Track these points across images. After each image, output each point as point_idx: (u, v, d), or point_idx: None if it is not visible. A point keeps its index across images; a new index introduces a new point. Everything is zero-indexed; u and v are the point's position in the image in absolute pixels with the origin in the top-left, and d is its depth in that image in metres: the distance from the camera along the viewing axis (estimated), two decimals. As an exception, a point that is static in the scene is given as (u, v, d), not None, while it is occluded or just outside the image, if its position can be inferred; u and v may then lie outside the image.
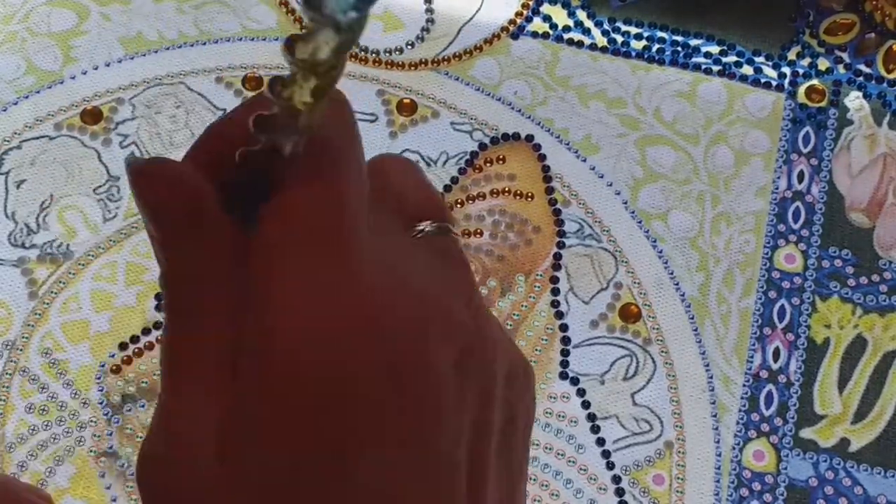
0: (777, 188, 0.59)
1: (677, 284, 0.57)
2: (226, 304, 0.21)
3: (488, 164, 0.58)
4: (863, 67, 0.62)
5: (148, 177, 0.22)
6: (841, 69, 0.62)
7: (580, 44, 0.62)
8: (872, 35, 0.62)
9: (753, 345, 0.56)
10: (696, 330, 0.56)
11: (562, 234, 0.57)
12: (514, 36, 0.62)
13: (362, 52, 0.61)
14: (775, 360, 0.56)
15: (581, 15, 0.62)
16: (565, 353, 0.55)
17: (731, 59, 0.62)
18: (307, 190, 0.21)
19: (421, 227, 0.25)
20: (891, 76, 0.62)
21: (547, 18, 0.62)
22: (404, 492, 0.21)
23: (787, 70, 0.62)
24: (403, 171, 0.27)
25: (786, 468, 0.54)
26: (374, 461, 0.20)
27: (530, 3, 0.62)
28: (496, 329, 0.25)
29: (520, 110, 0.60)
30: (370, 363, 0.20)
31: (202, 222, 0.22)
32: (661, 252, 0.57)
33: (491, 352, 0.23)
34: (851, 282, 0.57)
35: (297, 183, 0.21)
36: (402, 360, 0.21)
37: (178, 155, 0.62)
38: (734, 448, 0.54)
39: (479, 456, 0.23)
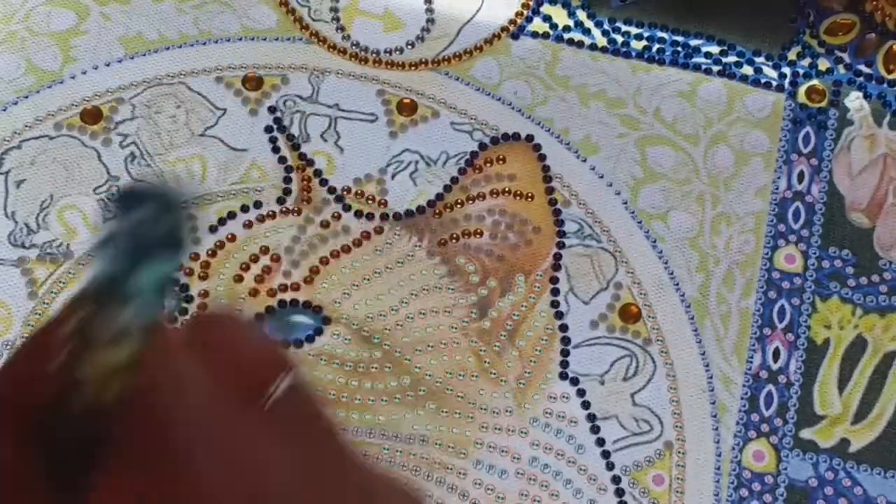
0: (777, 188, 0.59)
1: (677, 285, 0.57)
2: None
3: (488, 164, 0.58)
4: (863, 68, 0.62)
5: None
6: (841, 69, 0.62)
7: (580, 44, 0.62)
8: (873, 35, 0.62)
9: (753, 345, 0.56)
10: (696, 330, 0.56)
11: (562, 234, 0.57)
12: (515, 36, 0.62)
13: (362, 52, 0.61)
14: (775, 361, 0.56)
15: (581, 15, 0.62)
16: (565, 353, 0.55)
17: (732, 59, 0.62)
18: (131, 476, 0.20)
19: (270, 392, 0.23)
20: (891, 76, 0.61)
21: (547, 18, 0.62)
22: None
23: (787, 70, 0.61)
24: (231, 331, 0.25)
25: (786, 468, 0.54)
26: None
27: (530, 3, 0.62)
28: (370, 492, 0.24)
29: (520, 110, 0.60)
30: None
31: (23, 496, 0.20)
32: (661, 252, 0.57)
33: None
34: (851, 282, 0.57)
35: (122, 463, 0.20)
36: None
37: (177, 154, 0.62)
38: (734, 448, 0.54)
39: None
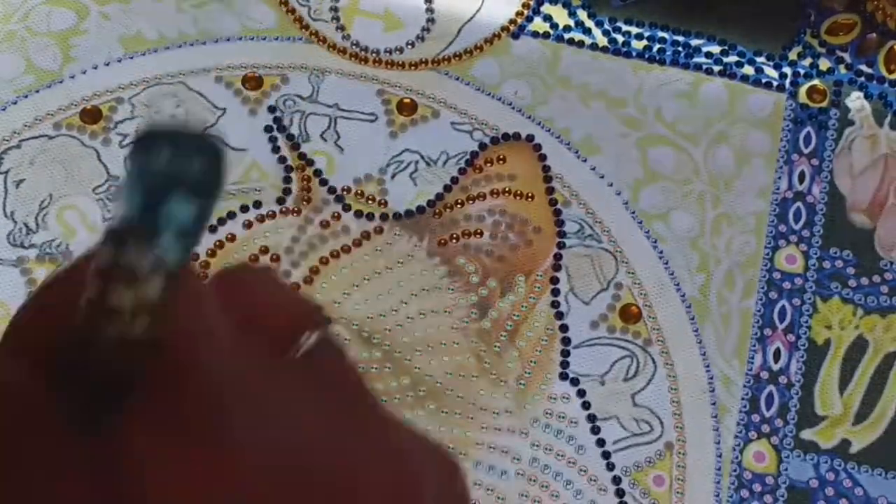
0: (778, 188, 0.59)
1: (678, 285, 0.57)
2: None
3: (488, 164, 0.58)
4: (864, 68, 0.62)
5: None
6: (842, 69, 0.62)
7: (581, 43, 0.61)
8: (874, 35, 0.62)
9: (754, 346, 0.56)
10: (696, 331, 0.56)
11: (562, 234, 0.57)
12: (515, 36, 0.62)
13: (362, 52, 0.61)
14: (776, 361, 0.56)
15: (582, 15, 0.62)
16: (565, 353, 0.55)
17: (733, 59, 0.61)
18: (166, 397, 0.20)
19: (301, 343, 0.23)
20: (892, 76, 0.61)
21: (547, 18, 0.62)
22: None
23: (788, 70, 0.61)
24: (258, 283, 0.25)
25: (786, 469, 0.54)
26: None
27: (531, 2, 0.62)
28: (407, 449, 0.23)
29: (520, 110, 0.60)
30: None
31: (36, 434, 0.20)
32: (661, 252, 0.57)
33: (409, 490, 0.22)
34: (852, 282, 0.57)
35: (155, 387, 0.20)
36: None
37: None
38: (734, 449, 0.54)
39: None
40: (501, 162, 0.58)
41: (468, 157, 0.58)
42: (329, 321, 0.24)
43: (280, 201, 0.57)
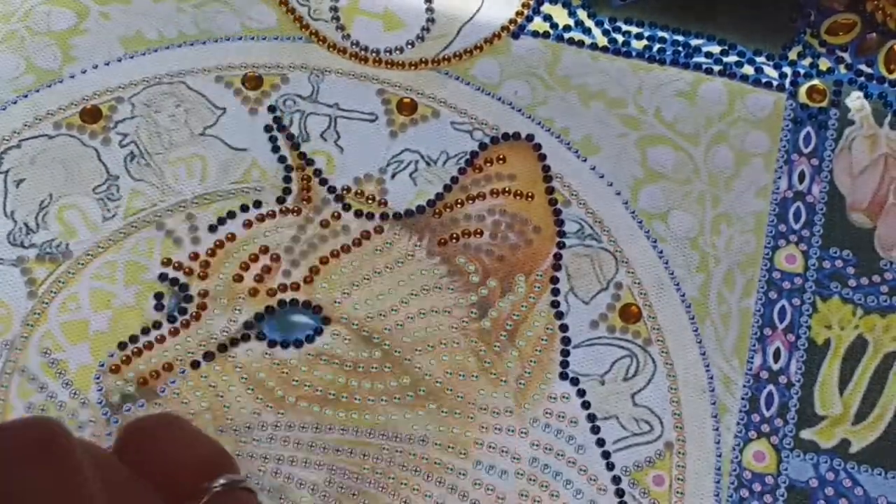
0: (778, 188, 0.59)
1: (678, 285, 0.57)
2: None
3: (488, 164, 0.58)
4: (864, 67, 0.62)
5: None
6: (842, 69, 0.62)
7: (581, 43, 0.62)
8: (874, 35, 0.62)
9: (754, 345, 0.56)
10: (696, 330, 0.56)
11: (562, 234, 0.57)
12: (515, 35, 0.62)
13: (362, 52, 0.61)
14: (776, 361, 0.56)
15: (582, 14, 0.62)
16: (565, 353, 0.55)
17: (732, 58, 0.61)
18: None
19: (214, 486, 0.23)
20: (892, 76, 0.61)
21: (547, 18, 0.62)
22: None
23: (788, 70, 0.61)
24: (165, 434, 0.25)
25: (786, 469, 0.54)
26: None
27: (531, 2, 0.62)
28: None
29: (520, 110, 0.60)
30: None
31: None
32: (661, 252, 0.57)
33: None
34: (852, 282, 0.57)
35: None
36: None
37: (177, 154, 0.61)
38: (734, 449, 0.54)
39: None
40: (501, 162, 0.58)
41: (468, 156, 0.58)
42: (234, 466, 0.24)
43: (280, 201, 0.57)
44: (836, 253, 0.58)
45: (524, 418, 0.53)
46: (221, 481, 0.23)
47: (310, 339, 0.54)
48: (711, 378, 0.55)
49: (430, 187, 0.58)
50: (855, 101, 0.61)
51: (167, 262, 0.55)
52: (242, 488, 0.23)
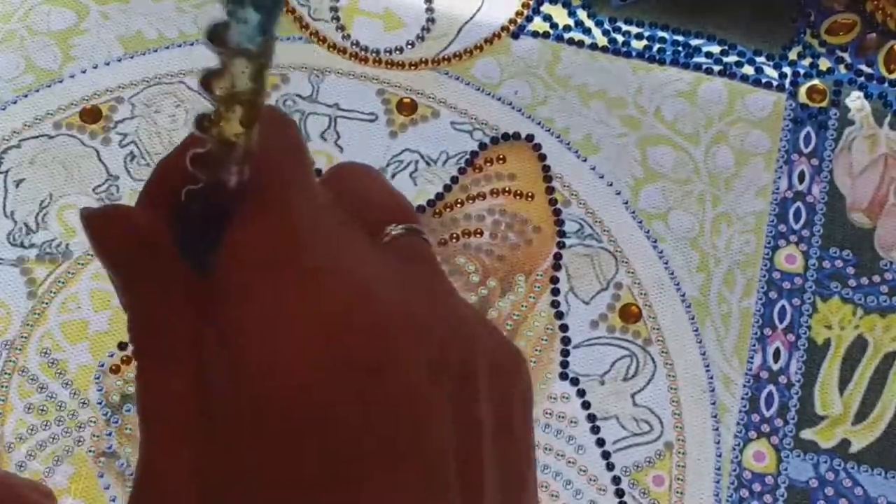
0: (778, 188, 0.59)
1: (678, 285, 0.57)
2: (190, 344, 0.21)
3: (488, 164, 0.58)
4: (864, 67, 0.62)
5: (101, 223, 0.22)
6: (842, 69, 0.62)
7: (581, 43, 0.61)
8: (873, 35, 0.62)
9: (754, 345, 0.56)
10: (696, 330, 0.56)
11: (562, 234, 0.57)
12: (515, 35, 0.62)
13: (362, 52, 0.61)
14: (776, 361, 0.56)
15: (581, 14, 0.62)
16: (565, 353, 0.55)
17: (732, 58, 0.61)
18: (257, 225, 0.21)
19: (388, 231, 0.25)
20: (892, 76, 0.61)
21: (547, 18, 0.62)
22: None
23: (788, 70, 0.61)
24: (365, 176, 0.27)
25: (786, 469, 0.54)
26: (358, 485, 0.20)
27: (531, 2, 0.62)
28: (473, 323, 0.24)
29: (520, 110, 0.60)
30: (341, 386, 0.20)
31: (158, 263, 0.22)
32: (661, 252, 0.57)
33: (467, 348, 0.23)
34: (852, 282, 0.57)
35: (247, 218, 0.21)
36: (372, 377, 0.21)
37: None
38: (734, 449, 0.54)
39: (470, 455, 0.22)
40: (501, 162, 0.58)
41: (468, 156, 0.58)
42: (417, 219, 0.26)
43: (280, 201, 0.57)
44: (836, 253, 0.58)
45: (524, 418, 0.53)
46: (403, 226, 0.24)
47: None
48: (711, 378, 0.55)
49: (430, 187, 0.58)
50: (855, 101, 0.61)
51: (167, 262, 0.55)
52: (422, 238, 0.25)
